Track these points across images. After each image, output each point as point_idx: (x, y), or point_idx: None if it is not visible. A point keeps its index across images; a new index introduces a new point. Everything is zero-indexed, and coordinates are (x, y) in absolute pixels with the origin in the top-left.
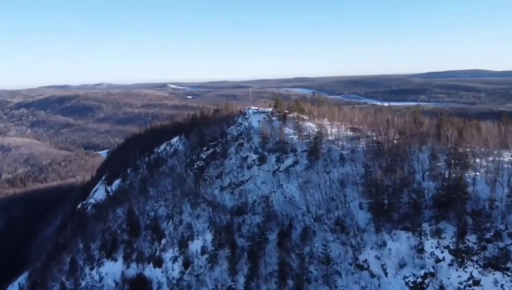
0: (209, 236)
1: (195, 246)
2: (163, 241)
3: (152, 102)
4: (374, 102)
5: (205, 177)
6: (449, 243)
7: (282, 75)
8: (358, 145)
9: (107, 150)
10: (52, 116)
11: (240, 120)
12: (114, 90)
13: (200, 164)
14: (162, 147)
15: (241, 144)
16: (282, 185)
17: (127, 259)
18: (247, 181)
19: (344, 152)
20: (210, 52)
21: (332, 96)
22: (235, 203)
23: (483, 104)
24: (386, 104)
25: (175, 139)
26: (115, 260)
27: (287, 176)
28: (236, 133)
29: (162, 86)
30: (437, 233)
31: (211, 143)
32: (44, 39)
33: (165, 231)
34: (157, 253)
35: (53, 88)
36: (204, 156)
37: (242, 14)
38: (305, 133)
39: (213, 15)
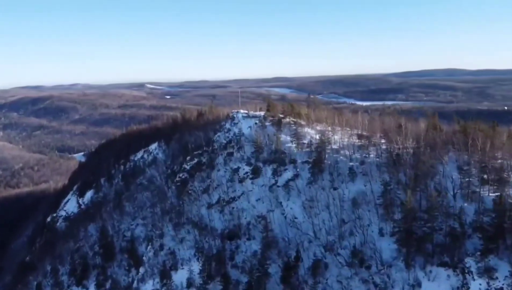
0: (196, 266)
1: (179, 277)
2: (141, 270)
3: (129, 103)
4: (353, 101)
5: (189, 192)
6: (503, 284)
7: (261, 75)
8: (368, 156)
9: (82, 153)
10: (25, 118)
11: (228, 125)
12: (89, 91)
13: (183, 176)
14: (139, 154)
15: (231, 154)
16: (281, 203)
17: (99, 288)
18: (239, 197)
19: (352, 164)
20: (188, 51)
21: (311, 96)
22: (226, 224)
23: (461, 103)
24: (364, 103)
25: (153, 146)
26: (86, 289)
27: (287, 192)
28: (224, 141)
29: (140, 86)
30: (487, 272)
31: (195, 152)
32: (17, 38)
33: (144, 257)
34: (135, 284)
35: (27, 89)
36: (187, 167)
37: (219, 13)
38: (305, 141)
39: (190, 15)
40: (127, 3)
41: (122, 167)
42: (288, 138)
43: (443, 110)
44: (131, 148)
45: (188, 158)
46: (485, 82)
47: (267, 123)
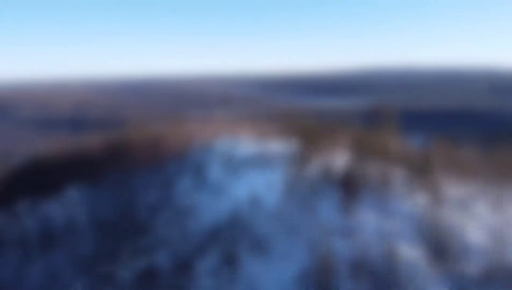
0: None
1: None
2: None
3: (78, 103)
4: (304, 100)
5: None
6: None
7: (214, 72)
8: None
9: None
10: None
11: (214, 173)
12: (33, 89)
13: None
14: (49, 206)
15: (229, 262)
16: None
17: None
18: None
19: None
20: (128, 47)
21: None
22: None
23: (422, 100)
24: (317, 102)
25: (72, 192)
26: None
27: None
28: (207, 220)
29: (91, 82)
30: None
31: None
32: None
33: None
34: None
35: None
36: (125, 281)
37: (155, 10)
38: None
39: (114, 13)
40: None
41: (21, 224)
42: (397, 223)
43: (411, 109)
44: (43, 186)
45: (126, 256)
46: (446, 80)
47: (309, 172)
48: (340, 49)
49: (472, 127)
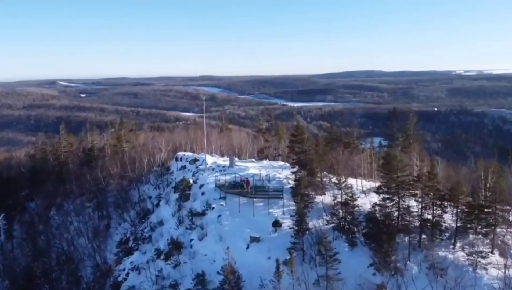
0: None
1: None
2: None
3: (36, 103)
4: (284, 102)
5: None
6: None
7: (187, 73)
8: None
9: None
10: None
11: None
12: None
13: None
14: None
15: None
16: None
17: None
18: None
19: None
20: (105, 45)
21: (242, 96)
22: None
23: (389, 104)
24: (296, 104)
25: None
26: None
27: None
28: None
29: (51, 83)
30: None
31: None
32: None
33: None
34: None
35: None
36: None
37: (140, 6)
38: None
39: (106, 5)
40: None
41: None
42: None
43: (375, 111)
44: None
45: None
46: (406, 83)
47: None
48: (307, 53)
49: (434, 128)
